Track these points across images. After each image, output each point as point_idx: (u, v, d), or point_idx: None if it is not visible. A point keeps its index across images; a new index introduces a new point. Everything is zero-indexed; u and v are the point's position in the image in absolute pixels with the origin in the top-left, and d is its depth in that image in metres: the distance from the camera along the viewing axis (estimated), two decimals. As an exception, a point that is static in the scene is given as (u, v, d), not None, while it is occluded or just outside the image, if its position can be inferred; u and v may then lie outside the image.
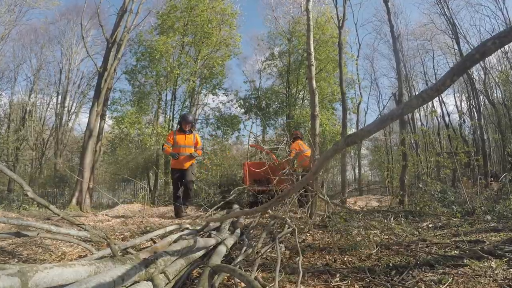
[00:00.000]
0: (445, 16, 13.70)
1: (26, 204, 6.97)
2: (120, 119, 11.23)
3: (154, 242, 2.30)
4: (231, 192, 4.67)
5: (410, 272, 1.72)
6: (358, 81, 15.30)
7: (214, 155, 12.12)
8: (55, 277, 0.96)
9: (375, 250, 2.22)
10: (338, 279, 1.72)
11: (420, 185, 4.77)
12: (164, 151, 5.01)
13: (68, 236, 1.93)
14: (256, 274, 1.67)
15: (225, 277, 1.66)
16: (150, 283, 1.33)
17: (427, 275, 1.68)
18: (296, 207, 4.25)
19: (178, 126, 5.08)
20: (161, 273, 1.42)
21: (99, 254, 1.84)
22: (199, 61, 12.37)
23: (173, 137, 4.93)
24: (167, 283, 1.42)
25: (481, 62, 14.74)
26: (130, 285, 1.46)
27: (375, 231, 2.82)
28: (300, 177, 3.87)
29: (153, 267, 1.33)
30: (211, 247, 2.13)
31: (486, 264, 1.78)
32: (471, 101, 16.43)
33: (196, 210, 5.51)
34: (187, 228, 2.68)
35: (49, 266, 0.99)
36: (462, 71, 0.99)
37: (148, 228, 3.18)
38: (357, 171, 20.02)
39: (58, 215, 2.06)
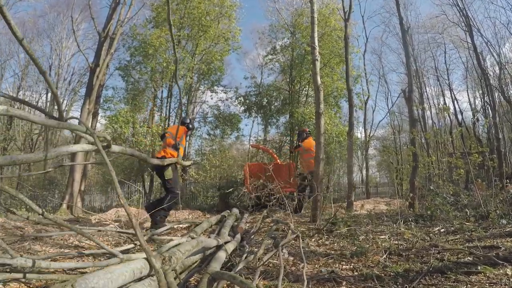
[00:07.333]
0: (458, 7, 13.63)
1: (14, 208, 7.00)
2: (113, 117, 11.24)
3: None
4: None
5: (421, 280, 1.72)
6: (366, 76, 15.28)
7: (212, 155, 12.12)
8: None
9: (383, 256, 2.22)
10: (345, 287, 1.73)
11: (431, 187, 4.75)
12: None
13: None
14: (257, 282, 1.67)
15: (225, 285, 1.67)
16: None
17: (439, 283, 1.68)
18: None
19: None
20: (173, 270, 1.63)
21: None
22: (196, 56, 12.35)
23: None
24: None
25: (496, 56, 14.69)
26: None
27: (384, 236, 2.82)
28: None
29: (168, 264, 1.56)
30: (209, 252, 2.14)
31: (501, 271, 1.78)
32: (485, 98, 16.38)
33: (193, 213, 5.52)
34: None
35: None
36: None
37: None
38: (364, 172, 19.98)
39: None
